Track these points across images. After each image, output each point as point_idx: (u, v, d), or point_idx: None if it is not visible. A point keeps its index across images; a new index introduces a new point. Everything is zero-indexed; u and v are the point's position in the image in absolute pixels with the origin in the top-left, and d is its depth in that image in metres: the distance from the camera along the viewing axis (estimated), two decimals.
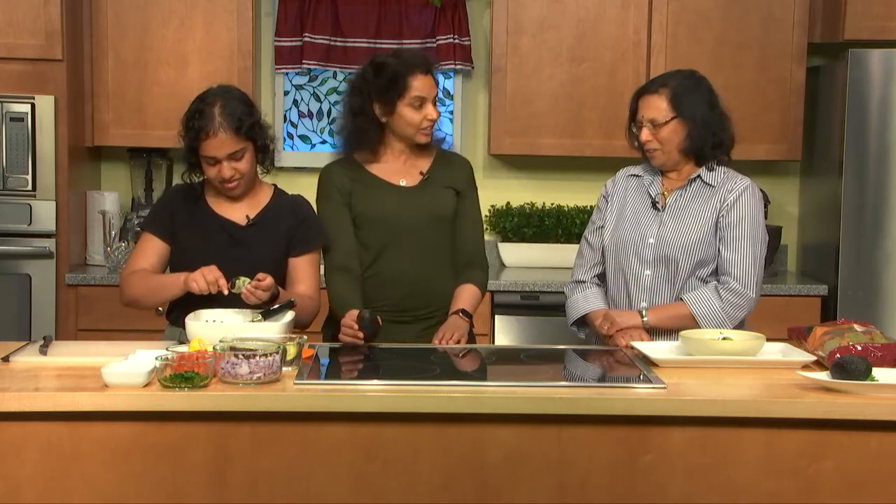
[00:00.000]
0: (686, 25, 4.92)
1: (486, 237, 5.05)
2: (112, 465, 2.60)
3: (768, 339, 3.04)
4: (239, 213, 3.32)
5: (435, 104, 3.39)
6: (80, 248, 4.89)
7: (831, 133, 4.86)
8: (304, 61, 5.13)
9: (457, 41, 5.10)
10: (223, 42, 4.88)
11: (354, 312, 3.18)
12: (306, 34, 5.11)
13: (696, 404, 2.62)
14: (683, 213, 3.32)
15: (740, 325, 3.30)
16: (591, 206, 4.93)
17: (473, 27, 5.18)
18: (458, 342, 3.29)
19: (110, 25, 4.85)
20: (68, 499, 2.60)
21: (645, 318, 3.26)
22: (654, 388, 2.71)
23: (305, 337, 2.95)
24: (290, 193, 3.44)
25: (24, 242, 4.64)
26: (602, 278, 3.46)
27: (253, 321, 3.09)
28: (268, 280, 3.10)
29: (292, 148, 5.38)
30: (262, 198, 3.37)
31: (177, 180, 3.41)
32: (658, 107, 3.28)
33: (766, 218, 3.63)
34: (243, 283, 3.09)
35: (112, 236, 4.82)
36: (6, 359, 2.90)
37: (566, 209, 5.19)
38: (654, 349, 3.08)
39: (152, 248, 3.31)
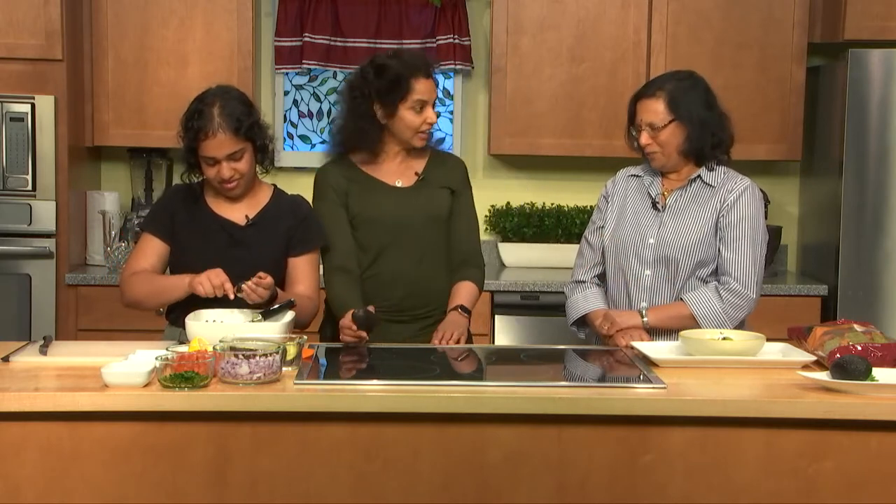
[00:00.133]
0: (686, 25, 4.92)
1: (486, 237, 5.07)
2: (112, 465, 2.60)
3: (768, 339, 3.04)
4: (238, 213, 3.32)
5: (434, 107, 3.39)
6: (80, 248, 4.89)
7: (831, 133, 4.86)
8: (304, 61, 5.13)
9: (457, 41, 5.10)
10: (223, 42, 4.88)
11: (350, 314, 3.18)
12: (306, 34, 5.11)
13: (696, 404, 2.62)
14: (683, 214, 3.32)
15: (740, 326, 3.30)
16: (591, 206, 4.93)
17: (473, 27, 5.18)
18: (458, 341, 3.29)
19: (110, 25, 4.85)
20: (68, 499, 2.60)
21: (645, 319, 3.26)
22: (654, 388, 2.71)
23: (305, 337, 2.95)
24: (289, 193, 3.44)
25: (24, 242, 4.64)
26: (602, 278, 3.46)
27: (253, 321, 3.09)
28: (269, 279, 3.10)
29: (292, 148, 5.38)
30: (262, 198, 3.37)
31: (177, 180, 3.41)
32: (656, 110, 3.28)
33: (766, 218, 3.63)
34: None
35: (112, 236, 4.82)
36: (6, 359, 2.90)
37: (566, 209, 5.19)
38: (654, 349, 3.08)
39: (152, 249, 3.31)
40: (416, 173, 3.46)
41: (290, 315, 3.10)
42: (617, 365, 3.09)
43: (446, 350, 3.23)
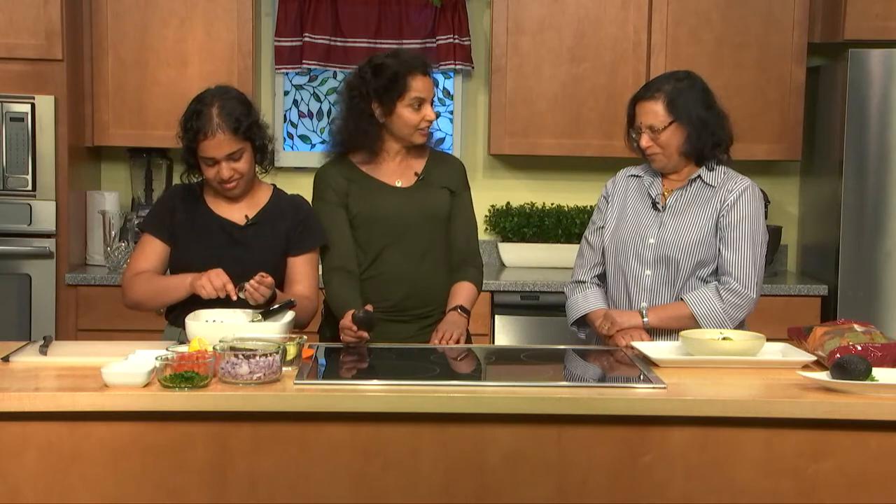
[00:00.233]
0: (686, 25, 4.92)
1: (486, 237, 5.07)
2: (112, 465, 2.60)
3: (768, 339, 3.04)
4: (238, 213, 3.32)
5: (432, 105, 3.39)
6: (80, 248, 4.89)
7: (831, 133, 4.86)
8: (304, 61, 5.13)
9: (457, 41, 5.10)
10: (223, 42, 4.88)
11: (350, 314, 3.18)
12: (306, 34, 5.11)
13: (696, 404, 2.62)
14: (684, 214, 3.32)
15: (740, 326, 3.30)
16: (591, 206, 4.94)
17: (473, 27, 5.18)
18: (458, 341, 3.29)
19: (110, 25, 4.85)
20: (68, 499, 2.60)
21: (645, 319, 3.26)
22: (654, 388, 2.71)
23: (305, 337, 2.95)
24: (289, 193, 3.44)
25: (24, 242, 4.64)
26: (602, 279, 3.46)
27: (253, 321, 3.09)
28: (269, 278, 3.11)
29: (292, 148, 5.38)
30: (261, 198, 3.37)
31: (177, 180, 3.41)
32: (655, 112, 3.28)
33: (766, 218, 3.63)
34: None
35: (112, 236, 4.82)
36: (6, 359, 2.90)
37: (566, 209, 5.19)
38: (654, 349, 3.08)
39: (153, 250, 3.31)
40: (416, 173, 3.46)
41: (290, 315, 3.10)
42: (617, 365, 3.09)
43: (446, 350, 3.23)
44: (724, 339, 3.04)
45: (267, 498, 2.62)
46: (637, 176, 3.44)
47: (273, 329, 2.99)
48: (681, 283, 3.30)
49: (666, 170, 3.36)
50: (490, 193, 5.20)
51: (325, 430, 2.62)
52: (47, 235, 4.66)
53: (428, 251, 3.44)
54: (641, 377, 2.83)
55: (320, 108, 5.37)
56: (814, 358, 2.97)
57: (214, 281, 3.09)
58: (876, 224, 4.69)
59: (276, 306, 3.12)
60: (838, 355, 2.78)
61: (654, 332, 3.28)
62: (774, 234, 4.93)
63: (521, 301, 4.76)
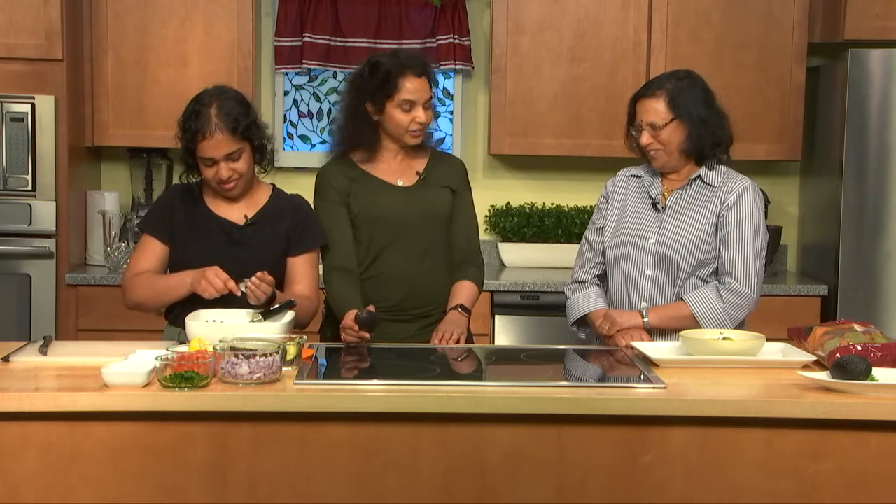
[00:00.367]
0: (686, 25, 4.92)
1: (487, 237, 5.07)
2: (112, 465, 2.60)
3: (768, 339, 3.04)
4: (237, 212, 3.32)
5: (427, 107, 3.37)
6: (80, 248, 4.89)
7: (831, 133, 4.86)
8: (304, 61, 5.13)
9: (457, 41, 5.10)
10: (223, 42, 4.88)
11: (352, 313, 3.18)
12: (306, 34, 5.11)
13: (696, 404, 2.62)
14: (684, 214, 3.32)
15: (740, 326, 3.30)
16: (591, 206, 4.94)
17: (473, 27, 5.18)
18: (458, 341, 3.28)
19: (110, 25, 4.85)
20: (68, 499, 2.60)
21: (646, 319, 3.26)
22: (654, 388, 2.71)
23: (305, 337, 2.95)
24: (288, 193, 3.44)
25: (24, 242, 4.64)
26: (602, 279, 3.46)
27: (253, 321, 3.09)
28: (270, 277, 3.11)
29: (292, 148, 5.38)
30: (261, 197, 3.37)
31: (176, 180, 3.41)
32: (656, 109, 3.28)
33: (766, 218, 3.63)
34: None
35: (112, 236, 4.82)
36: (6, 359, 2.90)
37: (566, 209, 5.19)
38: (654, 349, 3.08)
39: (152, 250, 3.31)
40: (417, 172, 3.46)
41: (290, 315, 3.10)
42: (617, 365, 3.09)
43: (446, 350, 3.23)
44: (724, 339, 3.04)
45: (267, 498, 2.62)
46: (637, 176, 3.44)
47: (273, 329, 2.99)
48: (681, 283, 3.30)
49: (665, 168, 3.36)
50: (490, 193, 5.20)
51: (325, 430, 2.62)
52: (47, 235, 4.66)
53: (428, 251, 3.44)
54: (641, 377, 2.83)
55: (320, 108, 5.37)
56: (814, 358, 2.97)
57: (215, 282, 3.08)
58: (876, 224, 4.69)
59: (276, 306, 3.12)
60: (838, 355, 2.78)
61: (654, 332, 3.28)
62: (774, 234, 4.93)
63: (521, 301, 4.76)
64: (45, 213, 4.64)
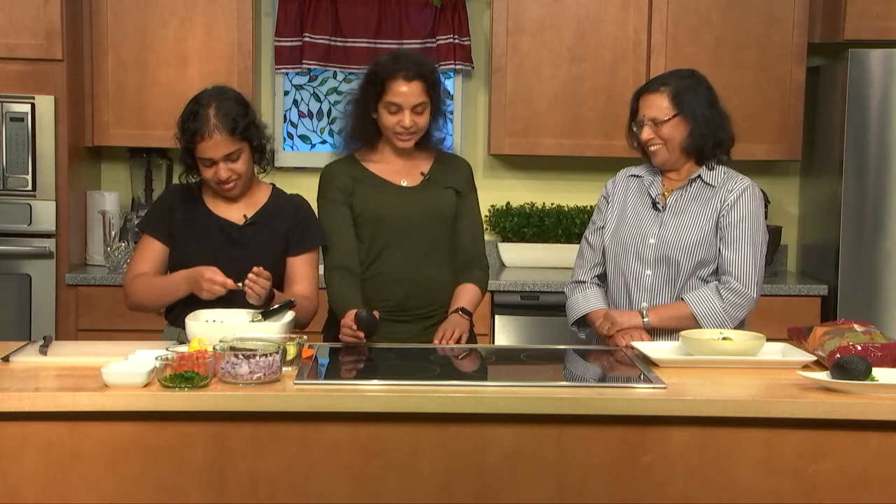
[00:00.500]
0: (686, 25, 4.92)
1: (487, 237, 5.06)
2: (112, 465, 2.60)
3: (768, 339, 3.04)
4: (237, 212, 3.32)
5: (420, 112, 3.34)
6: (80, 248, 4.89)
7: (831, 133, 4.86)
8: (304, 61, 5.13)
9: (457, 41, 5.10)
10: (223, 42, 4.88)
11: (352, 313, 3.18)
12: (306, 34, 5.11)
13: (696, 404, 2.62)
14: (684, 214, 3.32)
15: (741, 325, 3.30)
16: (591, 206, 4.93)
17: (473, 27, 5.18)
18: (459, 339, 3.28)
19: (110, 25, 4.85)
20: (68, 499, 2.60)
21: (646, 319, 3.26)
22: (654, 388, 2.71)
23: (305, 337, 2.95)
24: (288, 193, 3.44)
25: (24, 242, 4.64)
26: (602, 279, 3.46)
27: (253, 321, 3.09)
28: (265, 272, 3.10)
29: (292, 148, 5.38)
30: (260, 197, 3.37)
31: (176, 181, 3.41)
32: (659, 105, 3.28)
33: (766, 218, 3.63)
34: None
35: (112, 236, 4.82)
36: (6, 359, 2.90)
37: (566, 209, 5.19)
38: (654, 349, 3.08)
39: (151, 251, 3.31)
40: (422, 173, 3.46)
41: (290, 315, 3.10)
42: (617, 365, 3.09)
43: (446, 350, 3.23)
44: (724, 339, 3.04)
45: (267, 498, 2.62)
46: (637, 176, 3.44)
47: (273, 329, 2.99)
48: (681, 282, 3.30)
49: (665, 166, 3.36)
50: (490, 193, 5.20)
51: (325, 430, 2.62)
52: (47, 235, 4.66)
53: (430, 251, 3.43)
54: (641, 377, 2.83)
55: (320, 108, 5.37)
56: (814, 358, 2.97)
57: (215, 288, 3.08)
58: (876, 224, 4.69)
59: (276, 306, 3.12)
60: (838, 355, 2.78)
61: (654, 332, 3.28)
62: (774, 234, 4.93)
63: (521, 301, 4.76)
64: (45, 213, 4.64)
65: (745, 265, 3.26)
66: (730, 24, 4.92)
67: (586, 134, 4.97)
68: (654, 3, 4.90)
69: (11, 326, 4.58)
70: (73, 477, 2.60)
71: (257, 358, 2.65)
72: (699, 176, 3.33)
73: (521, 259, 5.13)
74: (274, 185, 3.45)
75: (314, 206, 3.45)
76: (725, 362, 2.97)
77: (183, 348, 2.80)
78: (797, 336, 3.16)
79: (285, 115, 5.35)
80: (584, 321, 3.43)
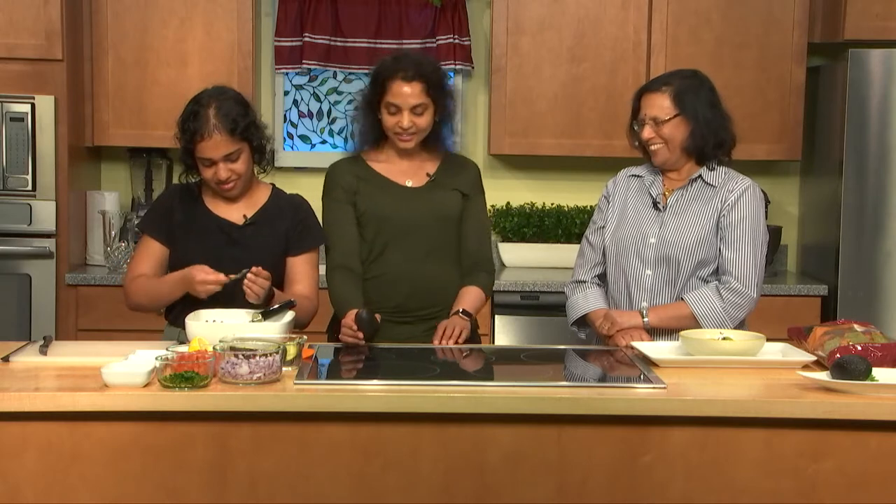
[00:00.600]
0: (686, 25, 4.92)
1: None
2: (112, 465, 2.60)
3: (768, 339, 3.04)
4: (236, 212, 3.32)
5: (420, 113, 3.33)
6: (80, 248, 4.89)
7: (831, 133, 4.86)
8: (304, 61, 5.13)
9: (457, 41, 5.10)
10: (223, 42, 4.88)
11: (353, 313, 3.18)
12: (306, 34, 5.11)
13: (696, 404, 2.62)
14: (685, 213, 3.32)
15: (741, 325, 3.30)
16: (591, 206, 4.94)
17: (473, 27, 5.18)
18: (460, 336, 3.26)
19: (110, 25, 4.85)
20: (68, 499, 2.60)
21: (646, 319, 3.26)
22: (654, 388, 2.71)
23: (305, 337, 2.95)
24: (288, 193, 3.44)
25: (24, 242, 4.64)
26: (603, 278, 3.46)
27: (253, 321, 3.08)
28: (265, 271, 3.10)
29: (292, 148, 5.38)
30: (260, 197, 3.37)
31: (176, 180, 3.41)
32: (661, 104, 3.28)
33: (766, 218, 3.63)
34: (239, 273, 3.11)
35: (112, 236, 4.82)
36: (6, 359, 2.90)
37: (566, 209, 5.19)
38: (654, 349, 3.08)
39: (151, 252, 3.31)
40: (428, 174, 3.46)
41: (290, 315, 3.10)
42: (617, 365, 3.09)
43: (446, 350, 3.23)
44: (724, 339, 3.04)
45: (267, 498, 2.62)
46: (638, 176, 3.44)
47: (273, 329, 2.99)
48: (682, 282, 3.30)
49: (666, 165, 3.36)
50: (490, 193, 5.10)
51: (325, 430, 2.62)
52: (47, 235, 4.66)
53: (432, 252, 3.43)
54: (641, 377, 2.83)
55: (320, 108, 5.37)
56: (814, 358, 2.97)
57: (207, 287, 3.08)
58: (876, 224, 4.69)
59: (275, 306, 3.12)
60: (838, 355, 2.78)
61: (654, 332, 3.28)
62: (774, 234, 4.93)
63: (521, 301, 4.76)
64: (45, 213, 4.64)
65: (746, 265, 3.26)
66: (730, 24, 4.92)
67: (586, 134, 4.97)
68: (654, 3, 4.90)
69: (11, 326, 4.58)
70: (73, 477, 2.60)
71: (257, 358, 2.65)
72: (700, 176, 3.33)
73: (521, 259, 5.13)
74: (274, 185, 3.45)
75: (314, 205, 3.45)
76: (725, 362, 2.97)
77: (183, 348, 2.80)
78: (797, 336, 3.16)
79: (285, 115, 5.35)
80: (584, 321, 3.43)
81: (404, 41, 5.09)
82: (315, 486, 2.62)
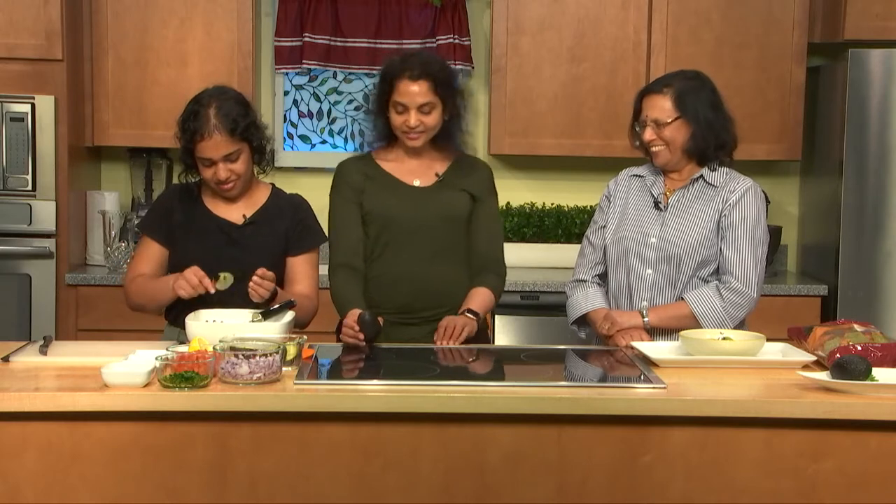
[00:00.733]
0: (686, 25, 4.92)
1: None
2: (112, 465, 2.60)
3: (768, 339, 3.04)
4: (236, 212, 3.32)
5: (428, 112, 3.33)
6: (80, 248, 4.89)
7: (831, 133, 4.86)
8: (304, 61, 5.13)
9: (457, 41, 5.10)
10: (223, 42, 4.88)
11: (355, 313, 3.18)
12: (306, 34, 5.11)
13: (696, 404, 2.62)
14: (686, 213, 3.32)
15: (741, 325, 3.30)
16: (591, 206, 4.95)
17: (473, 27, 5.18)
18: (462, 331, 3.24)
19: (110, 25, 4.85)
20: (68, 499, 2.60)
21: (646, 318, 3.26)
22: (654, 388, 2.71)
23: (305, 337, 2.95)
24: (288, 193, 3.44)
25: (24, 242, 4.64)
26: (603, 278, 3.45)
27: (253, 321, 3.08)
28: (270, 273, 3.11)
29: (292, 148, 5.38)
30: (260, 197, 3.37)
31: (176, 180, 3.41)
32: (662, 106, 3.28)
33: (766, 218, 3.63)
34: (227, 281, 3.10)
35: (112, 236, 4.82)
36: (6, 359, 2.90)
37: (566, 209, 5.19)
38: (654, 349, 3.07)
39: (151, 253, 3.32)
40: (437, 174, 3.45)
41: (290, 315, 3.10)
42: (617, 365, 3.09)
43: (446, 350, 3.22)
44: (724, 339, 3.04)
45: (267, 498, 2.62)
46: (639, 176, 3.44)
47: (273, 329, 2.99)
48: (682, 282, 3.30)
49: (667, 167, 3.36)
50: None
51: (325, 430, 2.62)
52: (47, 235, 4.66)
53: (439, 253, 3.41)
54: (641, 377, 2.83)
55: (320, 108, 5.37)
56: (814, 358, 2.97)
57: (191, 279, 3.08)
58: (876, 224, 4.69)
59: (276, 306, 3.12)
60: (838, 355, 2.78)
61: (654, 332, 3.28)
62: (774, 234, 4.93)
63: (521, 301, 4.75)
64: (45, 213, 4.64)
65: (746, 265, 3.26)
66: (730, 24, 4.92)
67: (586, 134, 4.97)
68: (654, 3, 4.90)
69: (11, 326, 4.58)
70: (73, 477, 2.60)
71: (257, 358, 2.65)
72: (701, 176, 3.33)
73: (521, 259, 5.13)
74: (273, 184, 3.45)
75: (314, 205, 3.45)
76: (725, 362, 2.97)
77: (183, 348, 2.80)
78: (797, 336, 3.16)
79: (285, 115, 5.35)
80: (584, 320, 3.43)
81: (404, 41, 5.09)
82: (315, 486, 2.62)
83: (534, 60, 4.96)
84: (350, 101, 5.35)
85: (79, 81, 4.79)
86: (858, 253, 4.71)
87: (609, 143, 4.86)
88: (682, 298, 3.27)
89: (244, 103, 3.27)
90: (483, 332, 3.44)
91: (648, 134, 3.30)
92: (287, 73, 5.29)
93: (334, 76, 5.33)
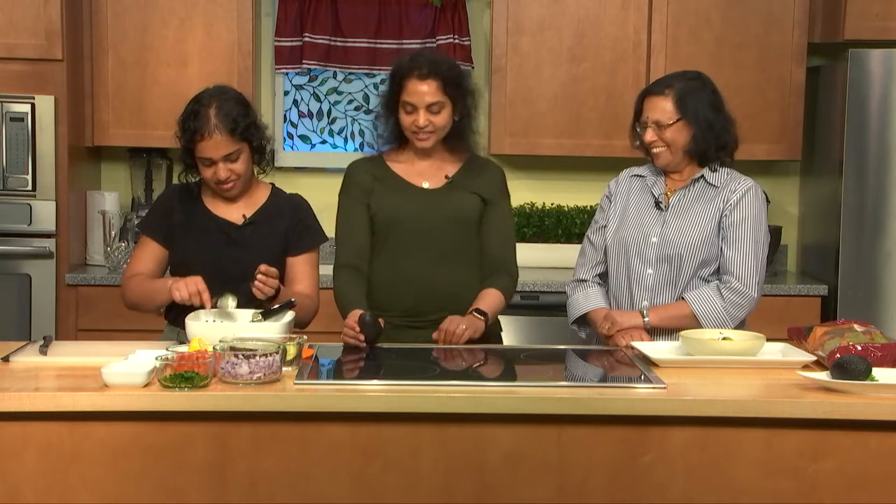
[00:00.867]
0: (686, 25, 4.92)
1: None
2: (112, 465, 2.60)
3: (768, 339, 3.04)
4: (236, 212, 3.32)
5: (437, 111, 3.32)
6: (80, 248, 4.89)
7: (831, 133, 4.86)
8: (304, 61, 5.13)
9: (457, 41, 5.10)
10: (223, 42, 4.88)
11: (356, 313, 3.17)
12: (306, 34, 5.11)
13: (696, 404, 2.62)
14: (687, 213, 3.32)
15: (741, 326, 3.30)
16: (591, 206, 4.95)
17: (473, 27, 5.18)
18: (464, 332, 3.22)
19: (110, 25, 4.85)
20: (68, 499, 2.60)
21: (646, 318, 3.26)
22: (654, 388, 2.71)
23: (305, 337, 2.95)
24: (288, 193, 3.44)
25: (24, 242, 4.64)
26: (604, 277, 3.45)
27: (253, 321, 3.08)
28: (273, 269, 3.10)
29: (292, 148, 5.38)
30: (260, 197, 3.37)
31: (176, 180, 3.41)
32: (663, 108, 3.28)
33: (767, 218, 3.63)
34: (228, 303, 3.09)
35: (112, 236, 4.82)
36: (6, 359, 2.90)
37: (566, 209, 5.19)
38: (654, 349, 3.07)
39: (149, 252, 3.32)
40: (447, 176, 3.44)
41: (290, 315, 3.10)
42: (617, 365, 3.09)
43: (446, 350, 3.22)
44: (724, 339, 3.04)
45: (267, 498, 2.62)
46: (640, 176, 3.44)
47: (273, 329, 2.99)
48: (683, 282, 3.30)
49: (668, 168, 3.36)
50: None
51: (325, 430, 2.62)
52: (47, 235, 4.66)
53: (447, 255, 3.39)
54: (641, 377, 2.83)
55: (320, 108, 5.37)
56: (814, 358, 2.97)
57: (190, 286, 3.07)
58: (876, 224, 4.69)
59: (276, 306, 3.12)
60: (838, 355, 2.78)
61: (654, 332, 3.28)
62: (774, 234, 4.93)
63: (521, 301, 4.75)
64: (45, 213, 4.64)
65: (747, 265, 3.26)
66: (730, 24, 4.92)
67: (586, 134, 4.97)
68: (654, 3, 4.90)
69: (11, 326, 4.58)
70: (73, 477, 2.60)
71: (257, 358, 2.65)
72: (702, 176, 3.34)
73: (521, 259, 5.03)
74: (273, 184, 3.45)
75: (314, 205, 3.45)
76: (725, 362, 2.97)
77: (183, 348, 2.80)
78: (797, 336, 3.16)
79: (285, 115, 5.35)
80: (584, 320, 3.43)
81: (404, 41, 5.10)
82: (315, 486, 2.62)
83: (534, 60, 4.96)
84: (350, 101, 5.35)
85: (79, 81, 4.79)
86: (858, 253, 4.71)
87: (609, 143, 4.86)
88: (683, 298, 3.27)
89: (244, 103, 3.27)
90: (496, 334, 3.43)
91: (649, 135, 3.30)
92: (287, 73, 5.29)
93: (334, 76, 5.33)
